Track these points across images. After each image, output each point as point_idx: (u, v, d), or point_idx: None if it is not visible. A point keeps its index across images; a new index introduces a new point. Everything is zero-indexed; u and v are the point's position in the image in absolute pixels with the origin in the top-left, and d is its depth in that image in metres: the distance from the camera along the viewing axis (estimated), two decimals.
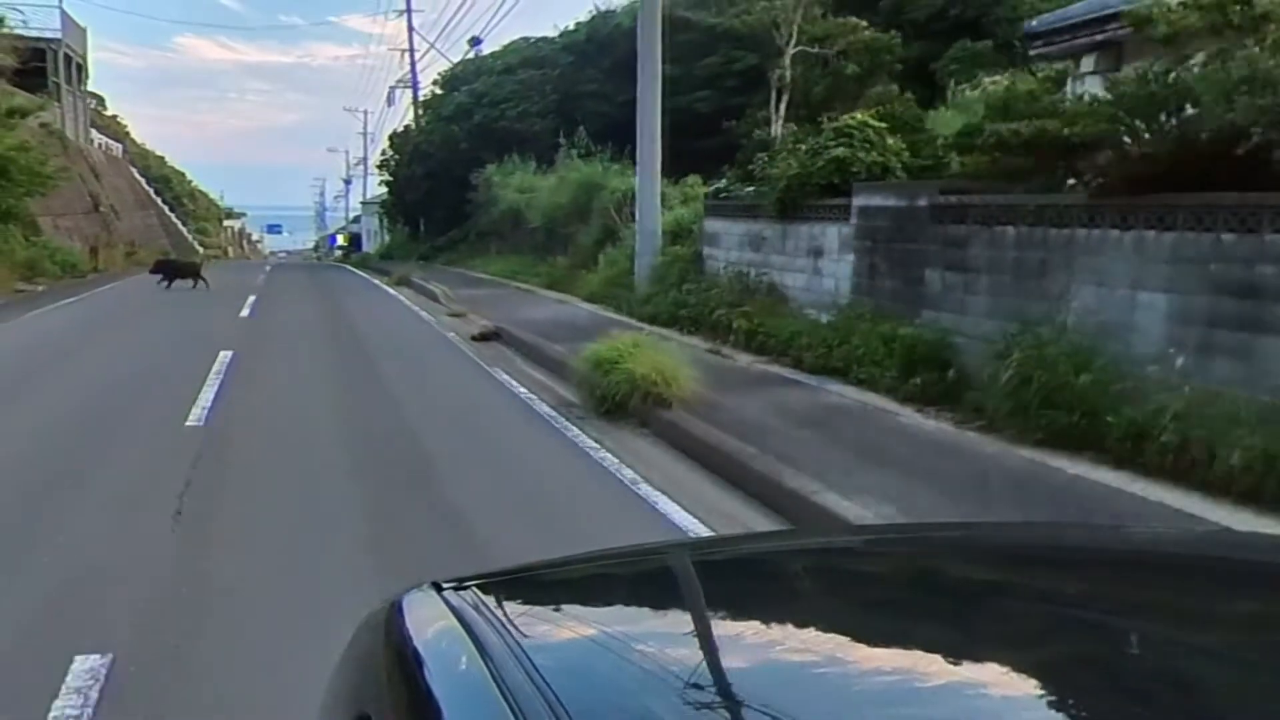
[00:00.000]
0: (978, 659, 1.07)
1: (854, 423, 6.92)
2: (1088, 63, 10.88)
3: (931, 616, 1.21)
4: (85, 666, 3.24)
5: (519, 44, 31.79)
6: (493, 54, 33.18)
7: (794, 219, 10.85)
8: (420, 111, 38.32)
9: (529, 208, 22.58)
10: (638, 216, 14.20)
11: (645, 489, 5.63)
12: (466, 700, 0.96)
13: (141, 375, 9.47)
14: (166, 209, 51.49)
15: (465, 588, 1.23)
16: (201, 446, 6.41)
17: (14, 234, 21.79)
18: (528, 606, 1.24)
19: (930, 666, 1.03)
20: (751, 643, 1.13)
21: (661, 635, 1.15)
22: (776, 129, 15.15)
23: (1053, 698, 0.96)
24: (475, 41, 35.61)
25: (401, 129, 39.55)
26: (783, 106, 15.95)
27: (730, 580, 1.41)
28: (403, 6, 42.88)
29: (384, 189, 41.41)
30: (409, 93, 41.85)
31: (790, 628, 1.20)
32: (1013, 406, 6.31)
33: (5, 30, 26.09)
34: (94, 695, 3.08)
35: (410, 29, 42.67)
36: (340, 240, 62.38)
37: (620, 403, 7.34)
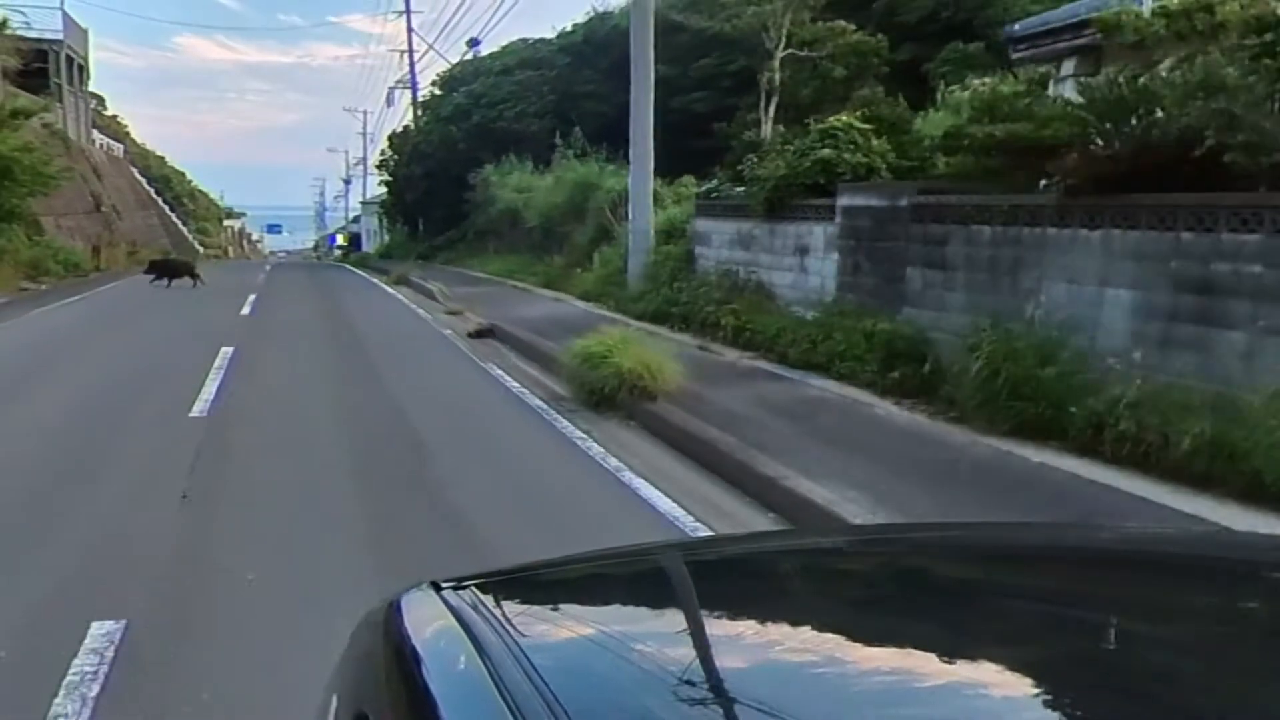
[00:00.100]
0: (975, 659, 1.07)
1: (831, 414, 7.20)
2: (1068, 66, 11.14)
3: (930, 616, 1.21)
4: (102, 631, 3.53)
5: (517, 45, 32.03)
6: (491, 55, 33.43)
7: (781, 218, 11.12)
8: (419, 112, 38.58)
9: (526, 207, 22.84)
10: (630, 216, 14.48)
11: (628, 476, 5.91)
12: (465, 699, 0.97)
13: (146, 369, 9.75)
14: (167, 209, 51.74)
15: (464, 587, 1.24)
16: (205, 436, 6.69)
17: (17, 233, 22.05)
18: (526, 606, 1.25)
19: (928, 666, 1.04)
20: (749, 642, 1.14)
21: (659, 635, 1.16)
22: (766, 130, 15.42)
23: (1051, 698, 0.96)
24: (473, 43, 35.90)
25: (400, 129, 39.86)
26: (772, 108, 16.25)
27: (728, 580, 1.42)
28: (402, 7, 43.23)
29: (383, 189, 41.74)
30: (408, 93, 42.20)
31: (788, 627, 1.21)
32: (982, 398, 6.58)
33: (8, 32, 26.37)
34: (109, 655, 3.36)
35: (409, 30, 43.04)
36: (340, 240, 62.69)
37: (608, 396, 7.61)
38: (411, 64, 42.49)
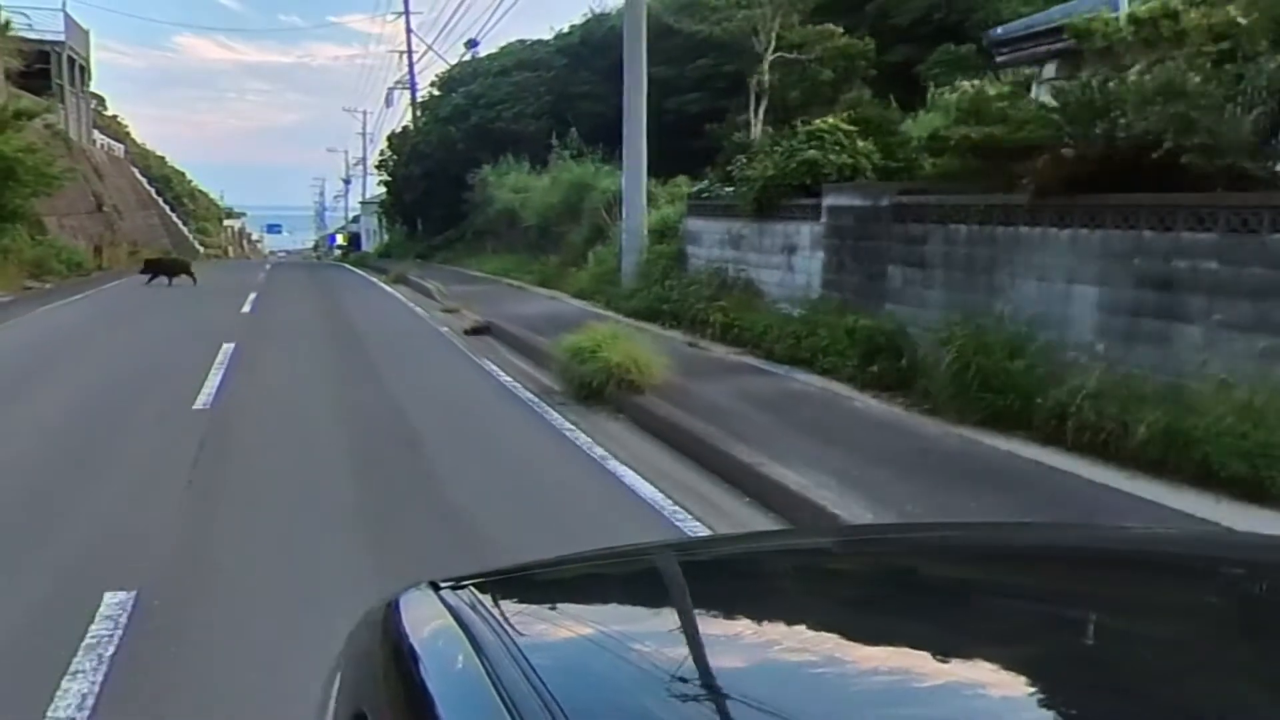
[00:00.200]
0: (973, 659, 1.08)
1: (811, 406, 7.47)
2: (1049, 70, 11.44)
3: (928, 616, 1.22)
4: (114, 600, 3.81)
5: (515, 46, 32.29)
6: (489, 56, 33.69)
7: (769, 218, 11.39)
8: (418, 113, 38.85)
9: (523, 207, 23.11)
10: (624, 216, 14.76)
11: (612, 464, 6.19)
12: (463, 698, 0.98)
13: (150, 364, 10.03)
14: (167, 209, 52.03)
15: (462, 587, 1.25)
16: (208, 426, 6.98)
17: (21, 233, 22.32)
18: (524, 606, 1.26)
19: (925, 666, 1.04)
20: (746, 642, 1.15)
21: (657, 635, 1.16)
22: (756, 132, 15.69)
23: (1049, 698, 0.96)
24: (472, 44, 36.20)
25: (400, 130, 40.14)
26: (761, 110, 16.54)
27: (726, 580, 1.43)
28: (401, 8, 43.50)
29: (383, 189, 42.03)
30: (407, 94, 42.45)
31: (786, 627, 1.22)
32: (955, 390, 6.85)
33: (11, 34, 26.65)
34: (123, 620, 3.64)
35: (408, 30, 43.32)
36: (340, 240, 62.97)
37: (597, 389, 7.88)
38: (410, 65, 42.83)
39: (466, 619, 1.12)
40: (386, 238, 44.45)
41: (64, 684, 3.15)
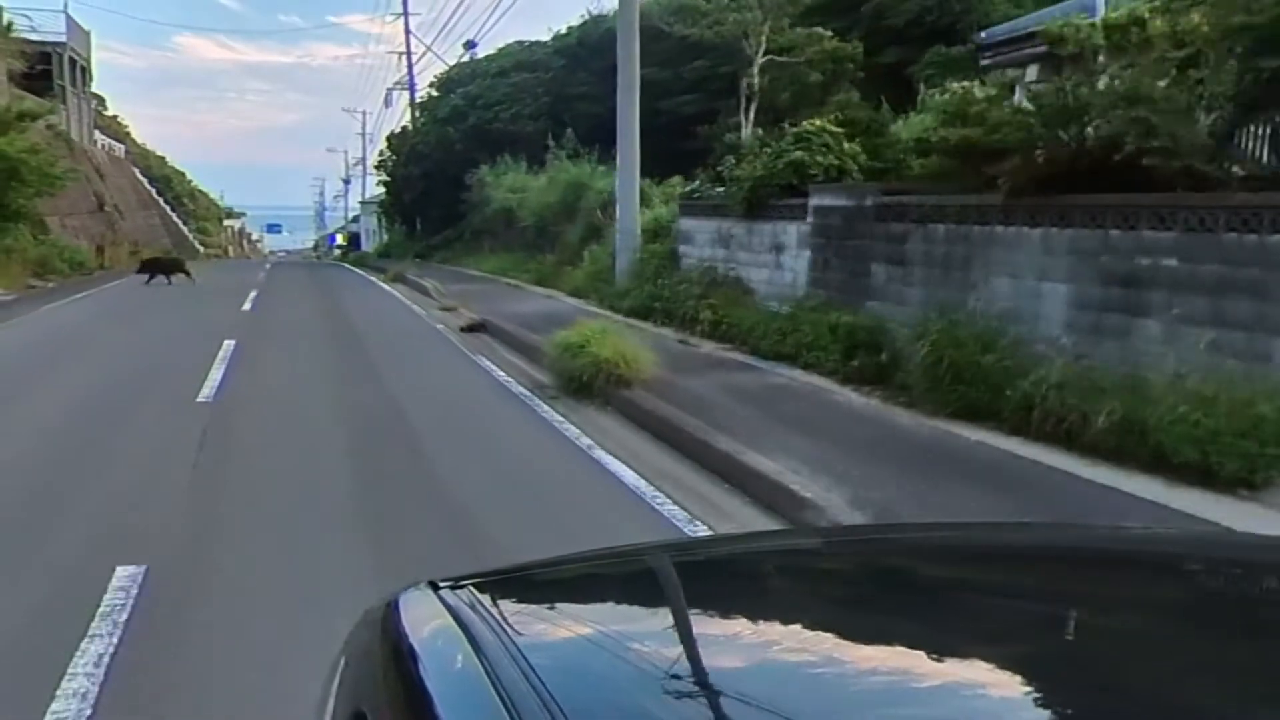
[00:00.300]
0: (971, 659, 1.08)
1: (793, 400, 7.74)
2: (1031, 73, 11.73)
3: (927, 616, 1.22)
4: (126, 573, 4.08)
5: (513, 47, 32.54)
6: (487, 57, 33.95)
7: (758, 218, 11.67)
8: (417, 113, 39.12)
9: (520, 207, 23.38)
10: (618, 216, 15.03)
11: (599, 453, 6.46)
12: (462, 698, 0.98)
13: (154, 360, 10.32)
14: (168, 209, 52.33)
15: (461, 587, 1.25)
16: (211, 417, 7.26)
17: (24, 233, 22.60)
18: (523, 605, 1.27)
19: (923, 666, 1.04)
20: (745, 642, 1.15)
21: (656, 634, 1.17)
22: (746, 133, 15.97)
23: (1048, 698, 0.96)
24: (470, 45, 36.50)
25: (399, 130, 40.39)
26: (752, 112, 16.83)
27: (724, 580, 1.44)
28: (400, 9, 43.78)
29: (382, 189, 42.29)
30: (406, 95, 42.73)
31: (784, 627, 1.22)
32: (929, 383, 7.12)
33: (14, 35, 26.92)
34: (134, 592, 3.92)
35: (407, 31, 43.63)
36: (339, 239, 63.28)
37: (587, 383, 8.15)
38: (409, 66, 43.12)
39: (466, 619, 1.13)
40: (386, 237, 44.71)
41: (82, 645, 3.42)
